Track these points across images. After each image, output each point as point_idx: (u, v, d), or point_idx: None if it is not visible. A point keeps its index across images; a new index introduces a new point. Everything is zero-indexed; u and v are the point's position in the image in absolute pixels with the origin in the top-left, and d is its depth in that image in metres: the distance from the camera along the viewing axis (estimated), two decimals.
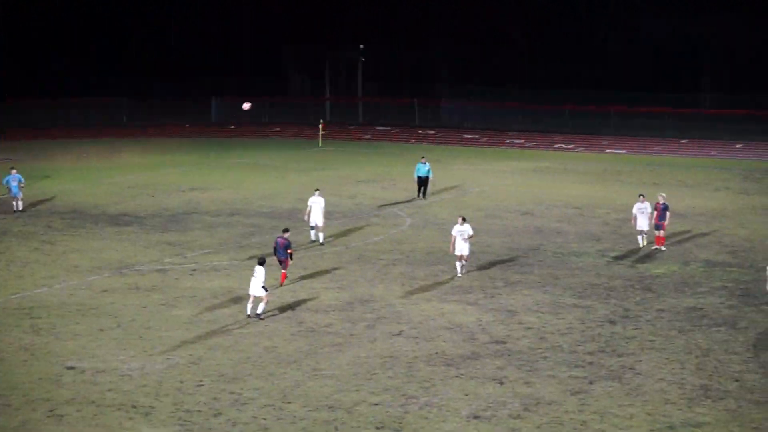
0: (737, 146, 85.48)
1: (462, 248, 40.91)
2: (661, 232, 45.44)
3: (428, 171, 59.94)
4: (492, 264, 43.34)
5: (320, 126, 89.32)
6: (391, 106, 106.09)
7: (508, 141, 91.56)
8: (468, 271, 41.47)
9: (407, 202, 58.49)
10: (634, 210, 45.83)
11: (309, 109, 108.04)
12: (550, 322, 35.06)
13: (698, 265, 42.83)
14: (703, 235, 48.76)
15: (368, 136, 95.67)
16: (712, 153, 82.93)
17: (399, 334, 33.87)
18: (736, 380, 29.28)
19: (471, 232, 41.00)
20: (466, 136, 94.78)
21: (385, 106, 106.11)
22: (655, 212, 45.58)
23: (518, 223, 52.23)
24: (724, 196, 60.44)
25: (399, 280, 40.78)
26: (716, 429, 25.91)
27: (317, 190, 47.90)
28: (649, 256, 44.28)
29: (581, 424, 26.29)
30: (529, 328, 34.39)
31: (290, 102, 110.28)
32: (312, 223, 46.91)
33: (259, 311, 35.20)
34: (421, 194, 59.69)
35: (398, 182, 65.66)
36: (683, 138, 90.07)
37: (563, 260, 43.98)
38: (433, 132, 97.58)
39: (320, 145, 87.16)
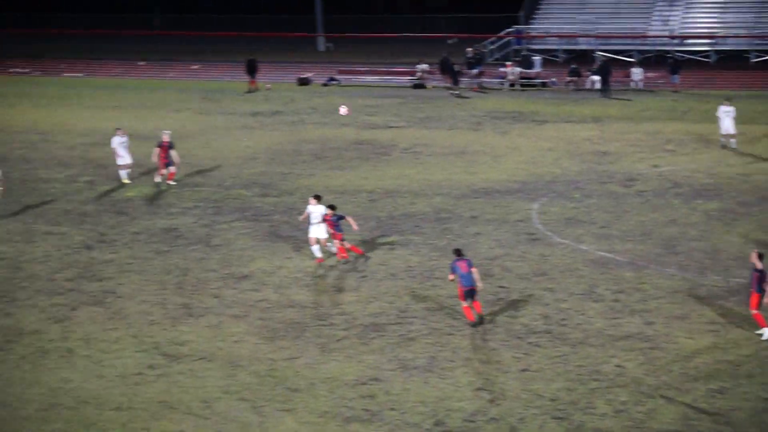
0: (194, 67, 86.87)
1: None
2: (172, 168, 43.10)
3: None
4: None
5: None
6: None
7: None
8: None
9: None
10: (114, 144, 43.76)
11: None
12: (25, 251, 34.30)
13: (172, 185, 43.19)
14: None
15: None
16: (171, 74, 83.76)
17: None
18: (215, 296, 30.13)
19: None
20: None
21: None
22: (160, 150, 42.72)
23: None
24: (186, 116, 61.34)
25: None
26: (199, 345, 26.57)
27: None
28: (118, 180, 44.12)
29: (67, 352, 26.09)
30: (2, 259, 33.46)
31: None
32: None
33: None
34: None
35: None
36: (141, 60, 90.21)
37: (32, 188, 42.98)
38: None
39: None
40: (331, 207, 32.71)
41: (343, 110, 34.95)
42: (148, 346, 26.44)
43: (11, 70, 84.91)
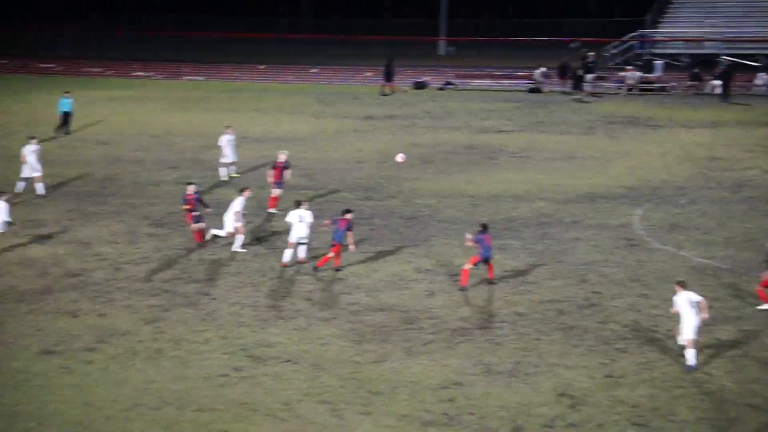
0: (312, 71, 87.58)
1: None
2: (276, 191, 40.41)
3: (71, 105, 56.98)
4: (66, 196, 42.51)
5: None
6: None
7: (85, 69, 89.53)
8: (37, 202, 40.69)
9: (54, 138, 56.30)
10: (221, 142, 44.94)
11: None
12: (126, 252, 34.85)
13: (273, 213, 43.17)
14: None
15: None
16: (289, 78, 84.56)
17: None
18: (308, 299, 30.23)
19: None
20: (40, 65, 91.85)
21: None
22: (274, 171, 40.13)
23: (95, 153, 51.40)
24: (299, 119, 61.80)
25: None
26: (287, 347, 26.68)
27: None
28: (228, 184, 44.61)
29: (156, 352, 26.36)
30: (104, 260, 34.03)
31: None
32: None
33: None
34: (64, 130, 56.54)
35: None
36: (261, 64, 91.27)
37: (141, 189, 43.71)
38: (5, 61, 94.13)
39: None
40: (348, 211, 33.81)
41: (399, 158, 35.79)
42: (236, 348, 26.60)
43: (134, 74, 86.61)
